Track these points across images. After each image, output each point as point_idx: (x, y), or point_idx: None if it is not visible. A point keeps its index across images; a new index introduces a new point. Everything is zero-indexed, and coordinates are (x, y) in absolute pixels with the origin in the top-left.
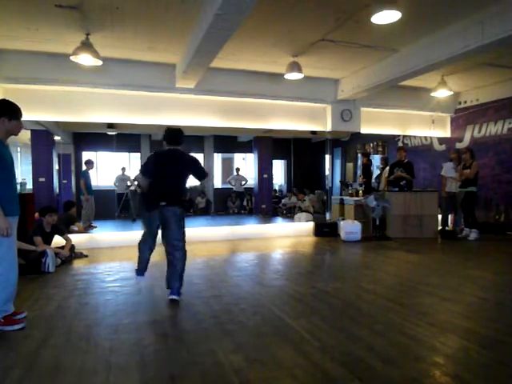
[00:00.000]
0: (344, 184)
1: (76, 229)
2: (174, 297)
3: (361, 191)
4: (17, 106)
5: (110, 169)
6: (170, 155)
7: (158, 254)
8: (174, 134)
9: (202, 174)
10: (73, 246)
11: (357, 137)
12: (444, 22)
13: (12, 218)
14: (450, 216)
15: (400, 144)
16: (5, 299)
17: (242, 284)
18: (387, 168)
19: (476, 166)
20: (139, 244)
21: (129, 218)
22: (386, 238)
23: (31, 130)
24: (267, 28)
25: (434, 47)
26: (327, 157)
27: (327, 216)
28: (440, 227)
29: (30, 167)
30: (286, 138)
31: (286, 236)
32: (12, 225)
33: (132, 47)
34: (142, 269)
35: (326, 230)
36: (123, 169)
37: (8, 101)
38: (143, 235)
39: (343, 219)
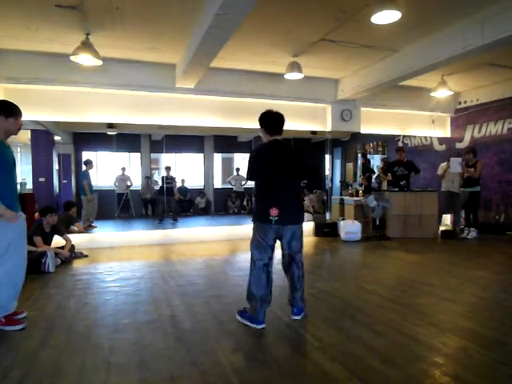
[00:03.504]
0: (344, 184)
1: (76, 229)
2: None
3: (361, 191)
4: (12, 104)
5: (110, 169)
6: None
7: (158, 253)
8: (279, 118)
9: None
10: (73, 246)
11: (357, 137)
12: (444, 21)
13: None
14: (449, 216)
15: (400, 144)
16: (9, 296)
17: (242, 284)
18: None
19: (481, 165)
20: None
21: (129, 218)
22: (386, 237)
23: (31, 129)
24: (267, 28)
25: (434, 47)
26: (327, 157)
27: (327, 216)
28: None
29: (30, 167)
30: (285, 138)
31: None
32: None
33: (132, 47)
34: (260, 312)
35: (326, 230)
36: (123, 169)
37: (3, 100)
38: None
39: (343, 219)
